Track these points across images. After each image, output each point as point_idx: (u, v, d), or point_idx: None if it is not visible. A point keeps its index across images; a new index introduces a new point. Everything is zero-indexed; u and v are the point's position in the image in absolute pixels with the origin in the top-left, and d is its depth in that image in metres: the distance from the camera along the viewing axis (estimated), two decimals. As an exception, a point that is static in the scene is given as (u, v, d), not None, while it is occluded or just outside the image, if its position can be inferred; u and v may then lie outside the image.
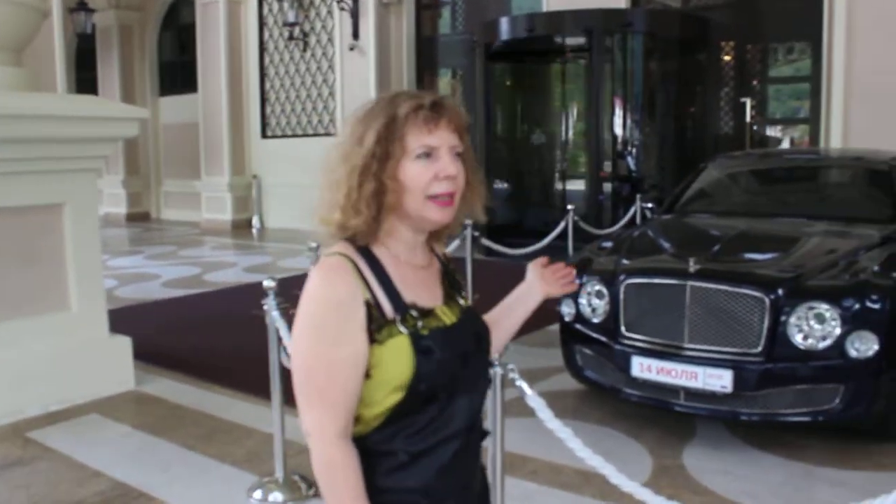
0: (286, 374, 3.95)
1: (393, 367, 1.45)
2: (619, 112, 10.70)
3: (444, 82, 12.99)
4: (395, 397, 1.45)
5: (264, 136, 14.66)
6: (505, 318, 1.83)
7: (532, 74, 11.99)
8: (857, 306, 3.87)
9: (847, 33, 8.73)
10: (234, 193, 14.65)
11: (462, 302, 1.63)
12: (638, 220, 8.62)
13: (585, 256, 4.93)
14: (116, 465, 4.07)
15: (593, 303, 4.55)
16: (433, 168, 1.48)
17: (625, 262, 4.55)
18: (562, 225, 7.90)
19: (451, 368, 1.49)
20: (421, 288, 1.55)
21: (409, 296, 1.50)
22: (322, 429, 1.43)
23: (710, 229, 5.23)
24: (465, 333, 1.57)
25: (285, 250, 11.75)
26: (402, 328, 1.46)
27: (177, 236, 14.02)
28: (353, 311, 1.44)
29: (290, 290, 4.50)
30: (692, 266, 4.14)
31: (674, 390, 4.13)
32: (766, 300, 3.94)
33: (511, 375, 2.53)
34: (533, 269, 1.88)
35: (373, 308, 1.45)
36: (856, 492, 3.65)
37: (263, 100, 14.57)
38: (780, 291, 3.96)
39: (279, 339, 3.65)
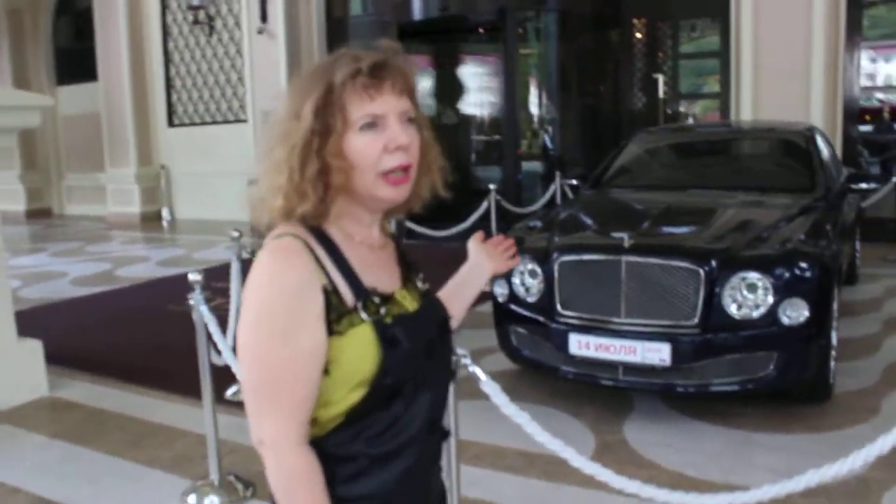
0: (217, 372, 3.80)
1: (355, 361, 1.29)
2: (534, 91, 10.73)
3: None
4: (357, 395, 1.30)
5: (171, 124, 14.13)
6: (454, 300, 1.65)
7: (446, 54, 11.88)
8: (787, 275, 3.93)
9: (754, 9, 8.92)
10: (142, 185, 14.08)
11: (420, 286, 1.49)
12: (558, 197, 8.66)
13: (516, 236, 4.87)
14: (36, 479, 3.80)
15: (527, 282, 4.50)
16: (381, 139, 1.31)
17: (557, 240, 4.51)
18: (484, 205, 7.86)
19: (417, 360, 1.35)
20: (380, 271, 1.40)
21: (368, 279, 1.35)
22: (281, 436, 1.27)
23: (638, 204, 5.25)
24: (429, 320, 1.44)
25: (199, 242, 11.37)
26: (364, 316, 1.30)
27: (82, 232, 13.40)
28: (310, 298, 1.27)
29: (211, 282, 4.33)
30: (626, 241, 4.13)
31: (612, 366, 4.12)
32: (701, 272, 3.96)
33: (463, 361, 2.43)
34: (476, 247, 1.77)
35: (331, 294, 1.29)
36: (793, 455, 3.73)
37: (169, 87, 14.03)
38: (714, 263, 3.98)
39: (208, 336, 3.46)
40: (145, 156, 14.12)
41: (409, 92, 1.36)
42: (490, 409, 2.58)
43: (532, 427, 2.43)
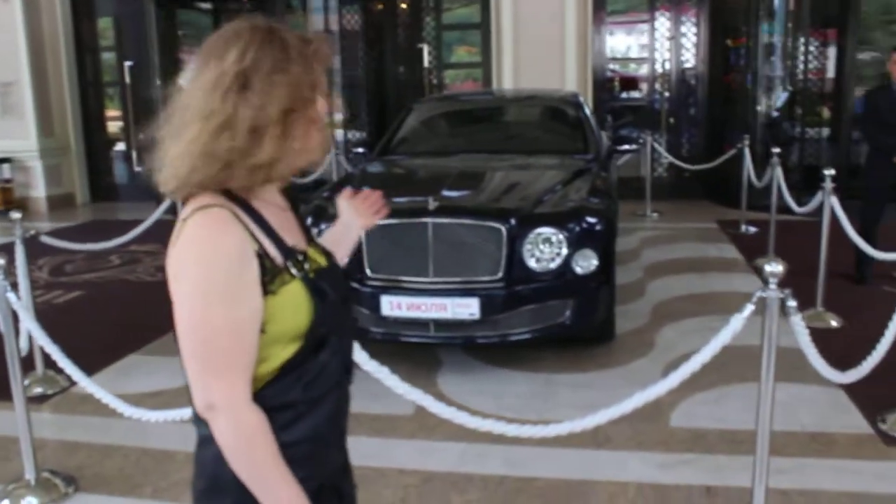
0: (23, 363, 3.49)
1: (290, 317, 1.36)
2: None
3: (106, 27, 11.84)
4: (293, 347, 1.38)
5: None
6: None
7: (207, 23, 11.43)
8: (578, 229, 4.31)
9: (512, -18, 9.43)
10: None
11: (318, 242, 1.57)
12: (333, 167, 8.70)
13: (317, 205, 4.88)
14: None
15: (333, 249, 4.55)
16: (318, 105, 1.42)
17: (362, 205, 4.59)
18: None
19: (339, 309, 1.46)
20: (291, 230, 1.47)
21: (288, 239, 1.42)
22: (236, 396, 1.32)
23: (430, 170, 5.45)
24: (339, 272, 1.54)
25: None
26: (294, 272, 1.38)
27: None
28: (247, 264, 1.32)
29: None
30: (431, 204, 4.31)
31: (424, 324, 4.31)
32: (503, 230, 4.23)
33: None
34: (345, 205, 1.82)
35: (264, 258, 1.35)
36: (591, 390, 4.15)
37: None
38: (513, 221, 4.27)
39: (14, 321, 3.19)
40: None
41: None
42: None
43: (392, 380, 2.53)
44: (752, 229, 7.86)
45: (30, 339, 4.07)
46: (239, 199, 1.38)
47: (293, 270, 1.38)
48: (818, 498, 3.09)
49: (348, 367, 1.53)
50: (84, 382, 3.16)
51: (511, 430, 2.66)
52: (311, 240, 1.53)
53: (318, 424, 1.43)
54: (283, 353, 1.37)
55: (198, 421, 1.40)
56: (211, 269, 1.30)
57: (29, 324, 3.16)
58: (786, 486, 3.12)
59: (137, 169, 11.50)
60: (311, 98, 1.39)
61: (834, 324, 5.04)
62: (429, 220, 4.28)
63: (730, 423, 3.73)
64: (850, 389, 3.97)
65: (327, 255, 1.53)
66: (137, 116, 11.25)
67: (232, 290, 1.30)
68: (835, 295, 5.34)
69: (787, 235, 6.82)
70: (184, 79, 1.41)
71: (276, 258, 1.37)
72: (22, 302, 3.18)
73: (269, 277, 1.34)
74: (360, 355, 2.58)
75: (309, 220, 4.64)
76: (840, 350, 3.72)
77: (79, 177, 11.50)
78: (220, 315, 1.30)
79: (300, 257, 1.41)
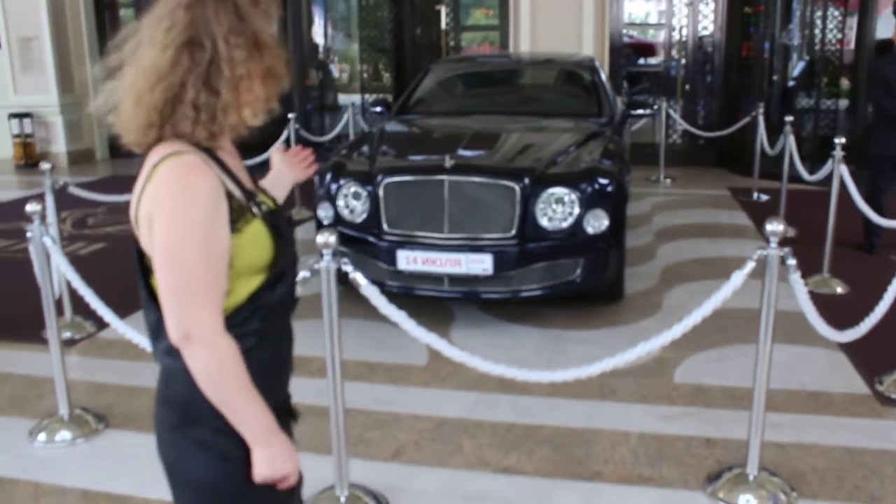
0: (33, 312, 3.62)
1: (254, 252, 1.49)
2: (318, 21, 10.67)
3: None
4: (256, 281, 1.51)
5: None
6: None
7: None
8: (590, 189, 4.41)
9: (531, -55, 9.41)
10: None
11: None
12: (350, 126, 8.79)
13: (336, 161, 5.00)
14: None
15: (351, 204, 4.67)
16: None
17: (380, 163, 4.71)
18: (284, 134, 7.85)
19: (292, 246, 1.61)
20: (244, 175, 1.58)
21: (245, 183, 1.54)
22: (213, 326, 1.43)
23: (447, 129, 5.55)
24: (285, 215, 1.66)
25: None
26: (255, 211, 1.50)
27: None
28: (220, 204, 1.44)
29: None
30: (448, 162, 4.42)
31: (438, 278, 4.44)
32: (517, 189, 4.34)
33: (345, 268, 2.61)
34: (278, 158, 1.95)
35: (232, 199, 1.47)
36: (600, 346, 4.27)
37: None
38: (527, 181, 4.38)
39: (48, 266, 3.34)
40: None
41: None
42: (318, 326, 2.77)
43: (409, 324, 2.67)
44: (764, 197, 7.93)
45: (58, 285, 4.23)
46: (203, 147, 1.48)
47: (254, 210, 1.50)
48: (812, 450, 3.22)
49: (295, 299, 1.66)
50: (116, 324, 3.31)
51: (521, 374, 2.80)
52: (257, 184, 1.66)
53: (274, 351, 1.58)
54: (248, 286, 1.50)
55: (167, 355, 1.51)
56: (188, 209, 1.40)
57: (65, 268, 3.31)
58: (782, 439, 3.26)
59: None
60: (263, 52, 1.48)
61: (839, 290, 5.15)
62: (445, 177, 4.39)
63: (731, 380, 3.86)
64: (850, 352, 4.10)
65: (272, 198, 1.67)
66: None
67: (207, 228, 1.41)
68: (842, 262, 5.44)
69: (798, 203, 6.90)
70: (137, 27, 1.49)
71: (241, 199, 1.49)
72: (57, 248, 3.33)
73: (236, 216, 1.46)
74: (378, 300, 2.72)
75: (328, 177, 4.77)
76: (843, 315, 3.81)
77: (98, 132, 11.62)
78: (198, 250, 1.40)
79: (258, 198, 1.54)
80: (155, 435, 1.60)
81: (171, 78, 1.43)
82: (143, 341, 3.34)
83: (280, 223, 1.55)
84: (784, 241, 2.76)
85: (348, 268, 2.62)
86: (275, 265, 1.51)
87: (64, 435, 3.47)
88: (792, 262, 2.67)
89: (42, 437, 3.47)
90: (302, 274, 2.75)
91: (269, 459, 1.50)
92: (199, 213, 1.40)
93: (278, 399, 1.61)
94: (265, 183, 1.88)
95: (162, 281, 1.43)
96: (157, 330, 1.52)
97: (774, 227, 2.65)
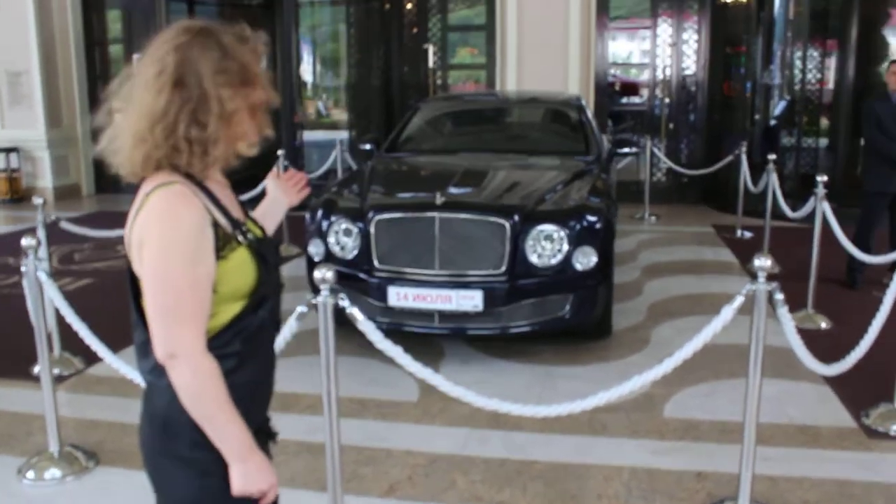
0: (21, 349, 3.61)
1: (238, 279, 1.60)
2: (307, 59, 10.79)
3: (114, 20, 11.99)
4: (238, 305, 1.61)
5: None
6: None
7: (221, 17, 11.58)
8: (578, 227, 4.48)
9: (517, -14, 9.60)
10: None
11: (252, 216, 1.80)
12: (339, 163, 8.86)
13: (328, 198, 5.04)
14: None
15: (342, 241, 4.71)
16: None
17: (372, 199, 4.76)
18: (274, 170, 7.89)
19: (275, 273, 1.71)
20: (233, 205, 1.69)
21: (232, 213, 1.65)
22: (195, 346, 1.53)
23: (437, 166, 5.62)
24: (272, 242, 1.80)
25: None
26: (241, 240, 1.61)
27: None
28: (206, 231, 1.55)
29: None
30: (439, 199, 4.48)
31: (429, 314, 4.47)
32: (507, 226, 4.40)
33: (342, 303, 2.65)
34: (272, 184, 2.04)
35: (217, 228, 1.58)
36: (590, 381, 4.30)
37: None
38: (517, 217, 4.44)
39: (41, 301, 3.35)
40: None
41: None
42: (310, 363, 2.80)
43: (405, 359, 2.69)
44: (748, 234, 8.04)
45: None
46: (192, 178, 1.59)
47: (240, 238, 1.61)
48: (802, 483, 3.26)
49: (278, 322, 1.78)
50: (110, 360, 3.32)
51: (515, 409, 2.83)
52: (246, 214, 1.76)
53: (255, 372, 1.67)
54: (231, 309, 1.61)
55: (151, 373, 1.62)
56: (174, 235, 1.52)
57: (59, 303, 3.32)
58: (773, 472, 3.29)
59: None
60: (251, 87, 1.59)
61: (824, 325, 5.22)
62: (436, 214, 4.44)
63: (720, 414, 3.90)
64: (836, 386, 4.15)
65: (260, 227, 1.77)
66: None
67: (192, 253, 1.52)
68: (826, 298, 5.51)
69: (781, 240, 6.99)
70: (130, 73, 1.61)
71: (227, 228, 1.60)
72: (51, 283, 3.34)
73: (221, 244, 1.57)
74: (374, 335, 2.75)
75: (319, 213, 4.82)
76: (828, 349, 3.87)
77: (85, 168, 11.63)
78: (183, 273, 1.51)
79: (244, 227, 1.65)
80: (142, 453, 1.69)
81: (167, 118, 1.54)
82: (136, 376, 3.35)
83: (265, 251, 1.66)
84: (769, 277, 2.82)
85: (345, 303, 2.65)
86: (257, 291, 1.62)
87: (54, 473, 3.45)
88: (780, 296, 2.73)
89: (31, 474, 3.45)
90: (299, 309, 2.79)
91: (246, 475, 1.58)
92: (185, 239, 1.52)
93: (258, 419, 1.71)
94: (260, 210, 1.98)
95: (150, 302, 1.54)
96: (144, 349, 1.61)
97: (762, 262, 2.71)
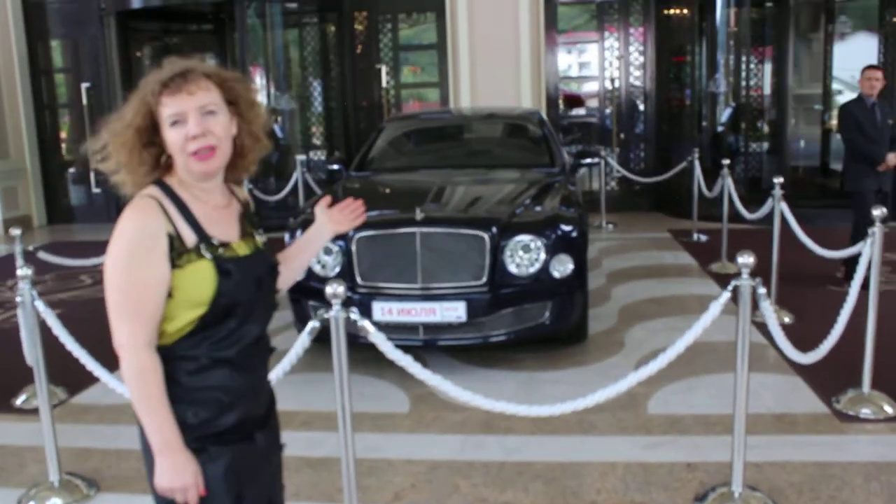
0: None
1: (194, 287, 1.74)
2: (260, 80, 10.82)
3: (57, 52, 11.86)
4: (197, 312, 1.75)
5: None
6: (297, 256, 2.13)
7: (168, 43, 11.56)
8: (554, 236, 4.64)
9: (468, 5, 9.79)
10: None
11: (258, 238, 1.92)
12: (300, 184, 8.92)
13: (304, 218, 5.11)
14: None
15: (322, 259, 4.79)
16: (183, 131, 1.75)
17: (351, 218, 4.84)
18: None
19: (248, 289, 1.81)
20: (220, 224, 1.83)
21: (209, 229, 1.79)
22: (134, 339, 1.70)
23: (410, 183, 5.74)
24: (259, 262, 1.88)
25: None
26: (205, 254, 1.75)
27: None
28: (157, 241, 1.71)
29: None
30: (419, 215, 4.59)
31: (413, 327, 4.58)
32: (486, 238, 4.54)
33: (353, 317, 2.74)
34: (320, 212, 2.16)
35: (174, 239, 1.73)
36: (572, 384, 4.45)
37: None
38: (495, 230, 4.58)
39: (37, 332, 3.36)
40: None
41: (210, 89, 1.78)
42: (306, 381, 2.90)
43: (415, 367, 2.80)
44: (703, 237, 8.32)
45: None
46: (172, 194, 1.79)
47: (204, 252, 1.75)
48: (786, 467, 3.45)
49: (261, 338, 1.90)
50: (113, 384, 3.35)
51: (522, 409, 2.96)
52: (247, 235, 1.88)
53: (223, 377, 1.79)
54: (189, 315, 1.75)
55: None
56: (123, 241, 1.71)
57: (58, 331, 3.35)
58: (758, 459, 3.47)
59: (96, 191, 11.54)
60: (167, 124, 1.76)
61: (787, 320, 5.46)
62: (416, 230, 4.56)
63: (701, 408, 4.08)
64: (806, 376, 4.38)
65: (259, 249, 1.89)
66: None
67: (141, 259, 1.70)
68: (785, 295, 5.77)
69: (737, 242, 7.24)
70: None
71: (189, 239, 1.75)
72: (50, 312, 3.36)
73: (176, 254, 1.73)
74: (385, 345, 2.88)
75: (298, 234, 4.89)
76: (795, 342, 4.10)
77: (35, 199, 11.47)
78: (121, 277, 1.71)
79: (215, 241, 1.78)
80: None
81: (123, 145, 1.79)
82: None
83: (236, 267, 1.77)
84: (728, 277, 2.98)
85: (356, 316, 2.75)
86: (215, 301, 1.74)
87: (55, 502, 3.46)
88: (762, 290, 2.91)
89: (31, 505, 3.45)
90: (311, 324, 2.88)
91: (164, 469, 1.73)
92: (124, 247, 1.71)
93: (242, 413, 1.82)
94: (306, 236, 2.12)
95: (106, 300, 1.74)
96: None
97: (745, 259, 2.89)
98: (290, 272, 2.08)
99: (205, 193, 1.82)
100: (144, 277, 1.69)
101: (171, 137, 1.75)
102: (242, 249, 1.83)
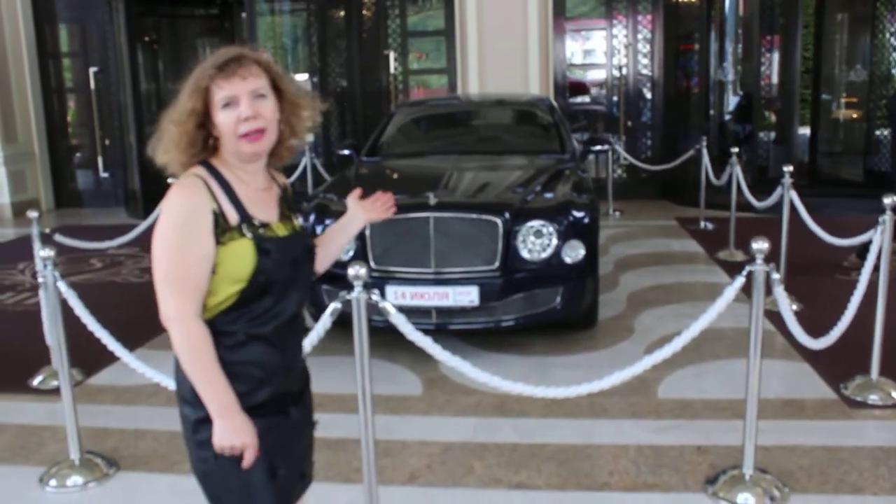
0: (21, 360, 3.60)
1: (235, 264, 1.82)
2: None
3: (65, 36, 11.87)
4: (237, 287, 1.83)
5: None
6: (330, 242, 2.20)
7: (175, 28, 11.56)
8: (566, 221, 4.68)
9: (477, -7, 9.80)
10: None
11: (295, 222, 2.01)
12: (308, 170, 8.96)
13: (318, 202, 5.16)
14: None
15: (335, 244, 4.83)
16: (235, 113, 1.83)
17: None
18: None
19: (284, 268, 1.88)
20: (261, 205, 1.91)
21: (250, 209, 1.88)
22: (183, 311, 1.79)
23: (422, 168, 5.78)
24: (296, 244, 1.96)
25: None
26: (246, 232, 1.84)
27: None
28: (203, 218, 1.80)
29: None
30: (432, 200, 4.63)
31: (426, 311, 4.63)
32: (499, 223, 4.58)
33: (374, 298, 2.79)
34: (352, 202, 2.26)
35: (219, 216, 1.82)
36: (583, 369, 4.51)
37: None
38: (507, 215, 4.62)
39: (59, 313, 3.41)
40: None
41: (259, 76, 1.86)
42: (318, 364, 2.95)
43: (434, 349, 2.86)
44: (710, 225, 8.35)
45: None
46: (217, 174, 1.87)
47: (245, 231, 1.83)
48: (795, 451, 3.50)
49: (297, 316, 1.97)
50: (135, 364, 3.41)
51: (539, 391, 3.02)
52: (285, 217, 1.97)
53: (258, 353, 1.87)
54: (229, 290, 1.83)
55: None
56: (172, 216, 1.80)
57: (80, 312, 3.40)
58: (767, 443, 3.52)
59: (104, 175, 11.59)
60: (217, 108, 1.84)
61: (795, 307, 5.49)
62: (430, 214, 4.60)
63: (710, 393, 4.14)
64: (814, 362, 4.43)
65: (296, 231, 1.97)
66: (103, 122, 11.35)
67: (187, 234, 1.78)
68: (792, 283, 5.81)
69: (744, 230, 7.28)
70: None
71: (232, 218, 1.83)
72: (72, 293, 3.41)
73: (220, 231, 1.81)
74: (405, 327, 2.95)
75: (312, 218, 4.94)
76: (805, 328, 4.16)
77: (43, 182, 11.51)
78: (170, 250, 1.79)
79: (255, 221, 1.86)
80: None
81: (182, 117, 1.86)
82: (164, 378, 3.43)
83: (275, 247, 1.85)
84: (736, 265, 3.03)
85: (377, 297, 2.80)
86: (254, 278, 1.82)
87: (76, 479, 3.51)
88: (776, 276, 2.95)
89: (53, 482, 3.51)
90: (332, 305, 2.93)
91: (224, 430, 1.81)
92: (173, 222, 1.79)
93: (276, 389, 1.91)
94: (339, 223, 2.22)
95: (154, 274, 1.82)
96: None
97: (760, 245, 2.93)
98: (325, 256, 2.15)
99: (248, 175, 1.90)
100: (192, 251, 1.77)
101: (223, 119, 1.82)
102: (281, 230, 1.91)
